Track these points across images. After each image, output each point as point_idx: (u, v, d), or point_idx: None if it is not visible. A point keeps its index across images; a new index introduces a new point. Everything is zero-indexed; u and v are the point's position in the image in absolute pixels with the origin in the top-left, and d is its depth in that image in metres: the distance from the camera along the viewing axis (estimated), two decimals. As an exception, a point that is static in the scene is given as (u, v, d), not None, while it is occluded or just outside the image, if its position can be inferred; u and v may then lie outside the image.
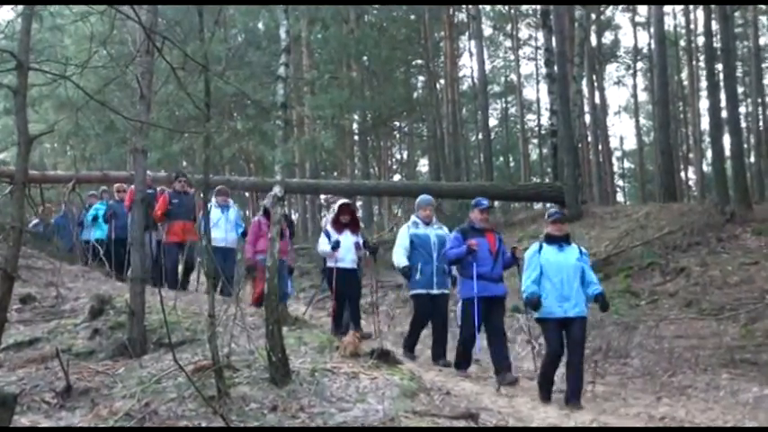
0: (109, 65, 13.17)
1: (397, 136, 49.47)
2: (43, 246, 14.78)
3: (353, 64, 34.64)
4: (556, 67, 25.43)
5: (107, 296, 8.82)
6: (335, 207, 13.05)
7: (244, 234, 14.09)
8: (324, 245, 12.59)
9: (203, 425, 5.71)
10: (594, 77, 43.23)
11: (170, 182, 15.45)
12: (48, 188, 22.03)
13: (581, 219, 21.46)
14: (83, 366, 7.10)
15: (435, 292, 11.26)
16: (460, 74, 44.39)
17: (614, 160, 53.09)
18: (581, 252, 9.38)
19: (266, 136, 27.79)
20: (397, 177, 50.41)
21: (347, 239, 12.52)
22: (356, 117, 37.12)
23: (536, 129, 52.24)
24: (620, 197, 52.15)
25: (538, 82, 49.88)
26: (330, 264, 12.53)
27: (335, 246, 12.33)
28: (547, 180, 35.99)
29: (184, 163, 36.23)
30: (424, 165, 54.50)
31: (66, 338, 8.01)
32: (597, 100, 44.15)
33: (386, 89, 35.34)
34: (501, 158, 54.37)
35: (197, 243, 14.31)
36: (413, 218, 11.79)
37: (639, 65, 50.10)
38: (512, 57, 52.02)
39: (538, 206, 30.12)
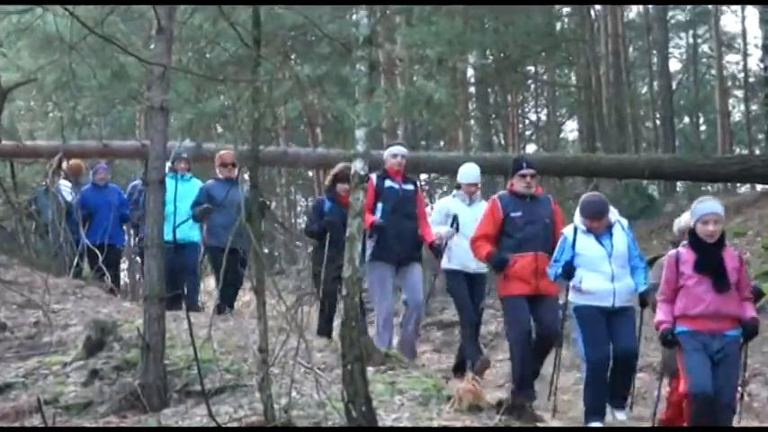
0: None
1: (533, 87, 49.26)
2: (15, 249, 14.60)
3: (469, -18, 34.57)
4: (772, -17, 25.02)
5: (109, 323, 8.87)
6: None
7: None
8: None
9: None
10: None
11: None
12: (29, 163, 22.39)
13: (812, 209, 21.13)
14: (76, 424, 7.14)
15: None
16: (627, -5, 44.02)
17: None
18: None
19: (345, 86, 27.71)
20: (532, 148, 50.22)
21: None
22: (472, 59, 36.94)
23: (740, 75, 51.50)
24: None
25: (744, 6, 49.16)
26: None
27: None
28: (757, 151, 35.42)
29: (219, 129, 36.46)
30: (571, 129, 54.25)
31: (51, 384, 8.10)
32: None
33: (516, 19, 35.09)
34: (686, 119, 53.84)
35: (557, 303, 11.39)
36: None
37: None
38: (703, -32, 51.45)
39: (743, 189, 29.65)
